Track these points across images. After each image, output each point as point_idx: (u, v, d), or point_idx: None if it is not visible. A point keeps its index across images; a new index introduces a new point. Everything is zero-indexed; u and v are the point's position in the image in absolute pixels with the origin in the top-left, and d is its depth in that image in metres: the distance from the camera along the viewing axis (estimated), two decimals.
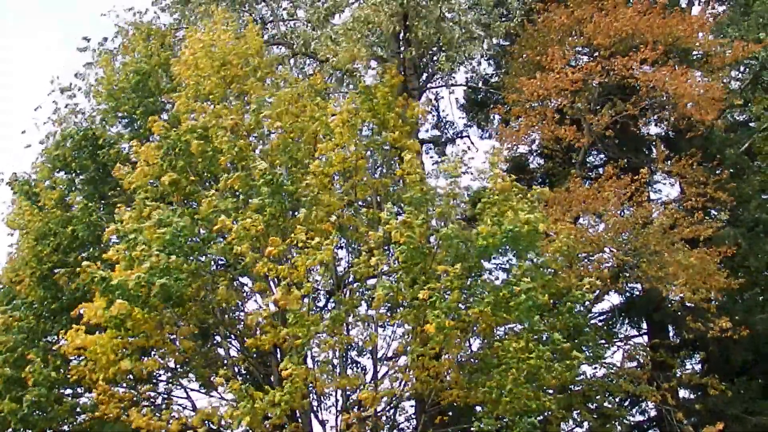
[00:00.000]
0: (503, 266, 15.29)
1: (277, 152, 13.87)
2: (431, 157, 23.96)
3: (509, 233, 12.43)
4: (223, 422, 12.65)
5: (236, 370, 15.00)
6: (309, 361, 13.35)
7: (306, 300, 12.68)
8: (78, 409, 14.60)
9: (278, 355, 14.05)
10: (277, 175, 12.73)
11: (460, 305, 12.40)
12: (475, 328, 13.36)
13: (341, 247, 15.32)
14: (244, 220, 12.38)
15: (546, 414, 14.06)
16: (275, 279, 13.26)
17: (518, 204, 12.92)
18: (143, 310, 12.14)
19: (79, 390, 14.60)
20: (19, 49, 46.73)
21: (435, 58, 20.30)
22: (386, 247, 14.02)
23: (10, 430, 14.15)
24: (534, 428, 12.30)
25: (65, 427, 14.74)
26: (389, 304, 14.05)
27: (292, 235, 12.47)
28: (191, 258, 12.70)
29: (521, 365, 12.33)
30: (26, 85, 45.44)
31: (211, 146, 13.62)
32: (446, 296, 12.14)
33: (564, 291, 14.08)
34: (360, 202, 15.07)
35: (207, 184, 14.44)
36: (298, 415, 13.56)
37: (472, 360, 13.97)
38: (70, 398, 14.58)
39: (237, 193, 13.44)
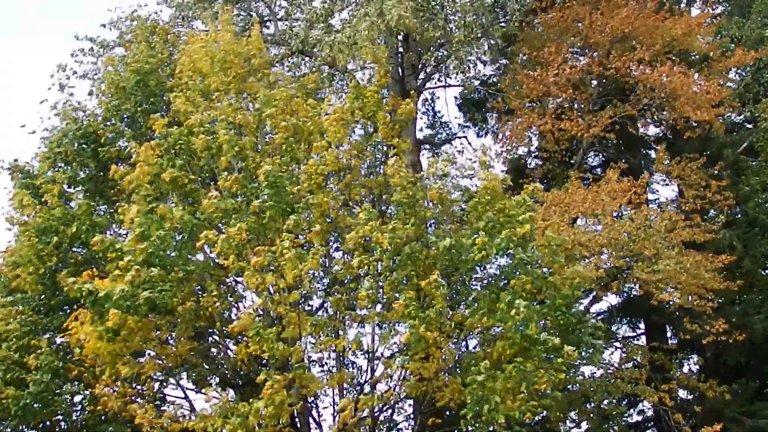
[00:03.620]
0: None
1: (278, 152, 13.76)
2: (428, 158, 23.88)
3: (505, 243, 12.27)
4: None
5: (233, 370, 14.85)
6: (305, 360, 13.25)
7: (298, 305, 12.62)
8: (77, 405, 14.45)
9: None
10: (279, 177, 12.62)
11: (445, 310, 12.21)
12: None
13: (337, 249, 15.17)
14: (228, 230, 12.26)
15: (541, 414, 13.87)
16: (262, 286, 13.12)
17: (508, 203, 12.83)
18: (135, 318, 12.06)
19: (78, 385, 14.40)
20: (22, 52, 46.69)
21: (433, 57, 20.28)
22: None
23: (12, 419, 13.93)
24: None
25: (63, 424, 14.58)
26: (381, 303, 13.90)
27: (278, 242, 12.23)
28: (176, 267, 12.54)
29: (512, 370, 11.85)
30: (27, 89, 45.43)
31: (215, 143, 13.55)
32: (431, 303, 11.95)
33: (555, 287, 13.91)
34: (355, 202, 14.94)
35: (208, 183, 14.32)
36: (296, 414, 13.48)
37: (461, 362, 13.67)
38: (70, 392, 14.39)
39: (236, 195, 13.32)
